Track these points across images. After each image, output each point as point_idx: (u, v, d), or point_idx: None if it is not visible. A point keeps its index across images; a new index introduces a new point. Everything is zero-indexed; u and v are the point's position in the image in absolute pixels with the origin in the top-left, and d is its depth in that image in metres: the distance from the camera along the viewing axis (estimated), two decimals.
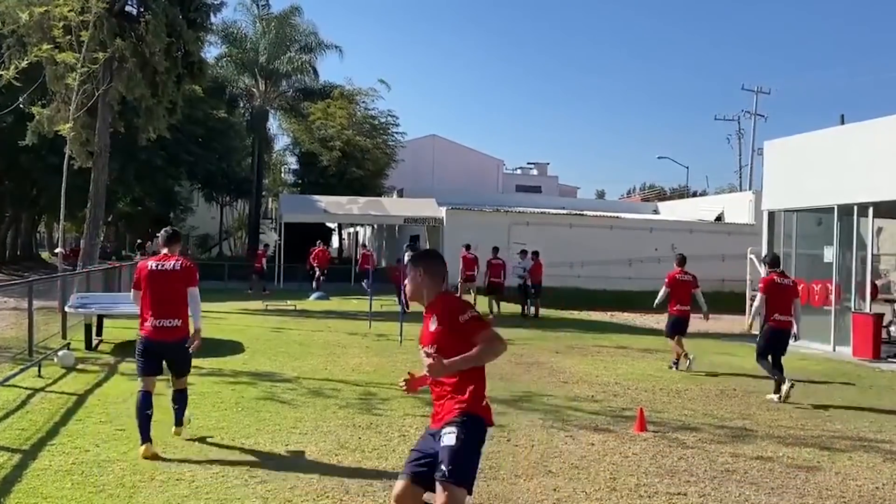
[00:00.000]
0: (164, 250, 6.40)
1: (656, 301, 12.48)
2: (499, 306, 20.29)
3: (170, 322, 6.20)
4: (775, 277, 9.91)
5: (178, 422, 6.58)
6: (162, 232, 6.61)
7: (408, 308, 14.03)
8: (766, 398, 9.44)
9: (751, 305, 19.14)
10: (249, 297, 23.13)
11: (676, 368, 11.70)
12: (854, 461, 6.62)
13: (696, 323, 22.11)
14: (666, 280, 12.08)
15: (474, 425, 3.69)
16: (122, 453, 6.05)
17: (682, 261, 12.18)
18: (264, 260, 27.96)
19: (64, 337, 12.22)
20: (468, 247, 21.59)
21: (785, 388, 9.28)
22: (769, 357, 9.74)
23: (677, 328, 11.91)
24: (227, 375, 9.62)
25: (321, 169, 37.77)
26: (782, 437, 7.37)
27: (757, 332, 10.12)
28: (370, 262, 24.08)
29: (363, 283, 25.38)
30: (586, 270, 28.78)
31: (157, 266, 6.28)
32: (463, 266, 20.85)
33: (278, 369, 10.31)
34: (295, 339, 13.70)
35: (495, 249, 20.87)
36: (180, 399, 6.53)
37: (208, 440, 6.53)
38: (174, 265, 6.29)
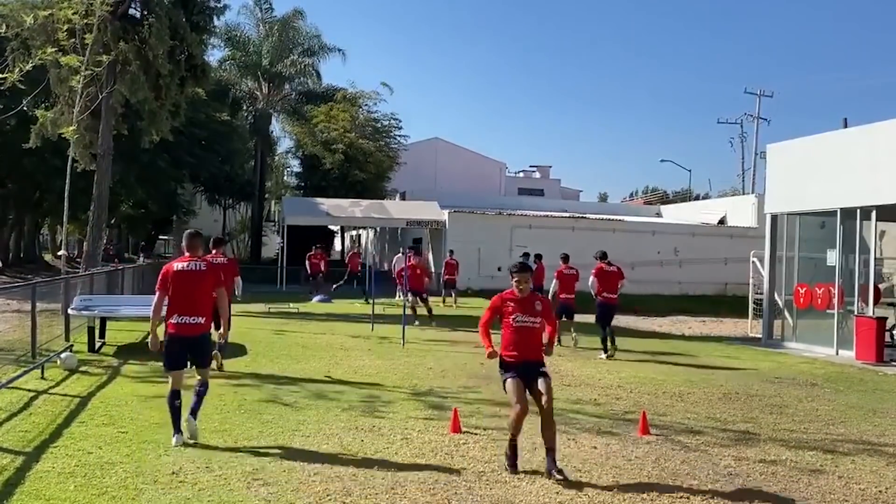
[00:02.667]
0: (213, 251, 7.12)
1: (550, 293, 14.38)
2: (455, 299, 23.77)
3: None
4: (603, 266, 13.45)
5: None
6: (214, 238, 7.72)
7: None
8: (597, 357, 12.87)
9: (755, 307, 19.22)
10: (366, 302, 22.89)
11: (569, 346, 14.08)
12: (857, 465, 6.61)
13: (696, 326, 22.21)
14: (555, 274, 14.73)
15: None
16: (125, 455, 6.05)
17: (566, 258, 15.00)
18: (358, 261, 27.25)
19: (67, 339, 12.23)
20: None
21: (604, 355, 12.87)
22: (606, 327, 13.16)
23: (566, 312, 14.42)
24: (230, 378, 9.61)
25: (324, 172, 37.85)
26: (785, 441, 7.36)
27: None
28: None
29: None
30: (588, 274, 28.75)
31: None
32: None
33: (281, 372, 10.31)
34: (297, 342, 13.71)
35: (451, 252, 24.47)
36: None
37: (211, 443, 6.53)
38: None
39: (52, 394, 8.47)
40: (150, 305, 6.82)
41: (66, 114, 17.28)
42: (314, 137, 38.51)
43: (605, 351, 12.97)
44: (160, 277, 6.71)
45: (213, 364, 8.69)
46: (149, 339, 6.87)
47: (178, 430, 6.41)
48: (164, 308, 6.68)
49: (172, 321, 6.56)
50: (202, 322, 6.67)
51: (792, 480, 6.04)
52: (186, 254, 6.85)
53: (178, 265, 6.75)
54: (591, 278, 13.41)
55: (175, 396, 6.45)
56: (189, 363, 6.69)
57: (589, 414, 8.29)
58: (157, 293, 6.69)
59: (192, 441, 6.41)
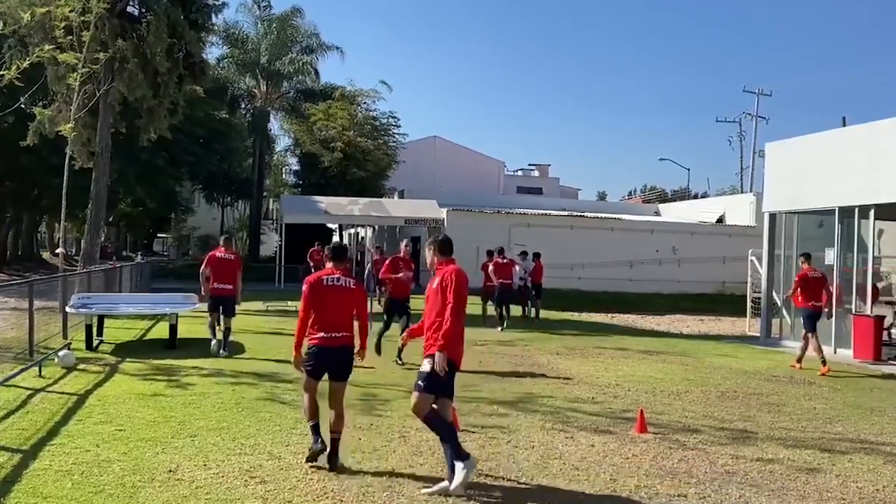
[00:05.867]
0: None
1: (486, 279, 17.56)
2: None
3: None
4: (499, 260, 17.34)
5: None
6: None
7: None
8: (496, 330, 15.95)
9: (753, 306, 19.22)
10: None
11: (502, 330, 16.29)
12: (854, 463, 6.62)
13: (695, 325, 22.22)
14: (493, 264, 17.37)
15: None
16: (122, 453, 6.05)
17: (500, 251, 17.97)
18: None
19: (65, 337, 12.22)
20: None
21: (499, 329, 16.14)
22: (503, 305, 16.86)
23: (502, 296, 17.23)
24: (228, 376, 9.62)
25: (322, 170, 37.75)
26: (783, 439, 7.36)
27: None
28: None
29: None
30: (587, 272, 28.82)
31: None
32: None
33: (279, 370, 10.28)
34: None
35: (378, 248, 25.48)
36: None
37: (208, 440, 6.53)
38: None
39: (50, 392, 8.46)
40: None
41: (64, 111, 17.24)
42: (313, 135, 38.40)
43: (502, 325, 16.36)
44: (206, 259, 11.78)
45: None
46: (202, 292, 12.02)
47: (215, 336, 11.42)
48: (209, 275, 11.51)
49: (214, 287, 11.44)
50: (230, 288, 11.56)
51: (789, 479, 6.05)
52: (223, 248, 11.74)
53: (218, 254, 11.61)
54: (491, 266, 17.17)
55: (213, 324, 11.55)
56: (221, 311, 11.54)
57: (586, 412, 8.29)
58: (203, 268, 11.66)
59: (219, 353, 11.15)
